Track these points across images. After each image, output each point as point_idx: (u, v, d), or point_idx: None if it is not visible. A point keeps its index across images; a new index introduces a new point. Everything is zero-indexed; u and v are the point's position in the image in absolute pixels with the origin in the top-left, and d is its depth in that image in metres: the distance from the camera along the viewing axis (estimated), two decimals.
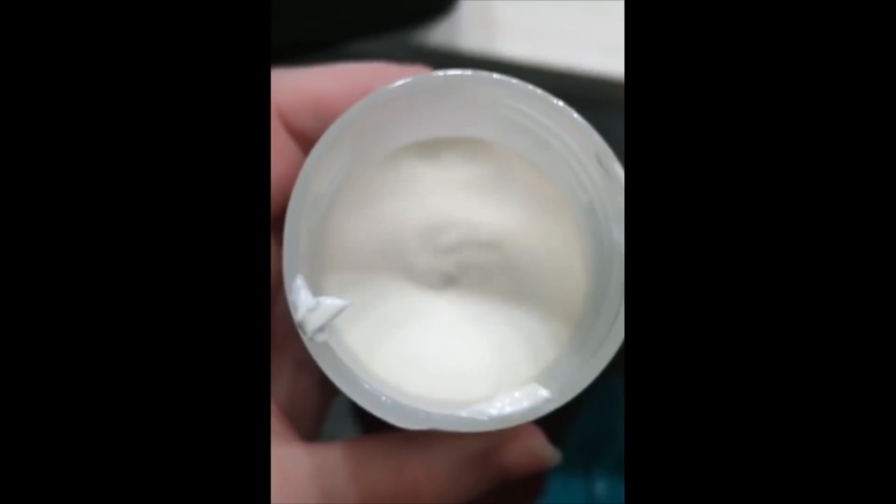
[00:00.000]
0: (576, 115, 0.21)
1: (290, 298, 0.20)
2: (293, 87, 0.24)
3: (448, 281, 0.23)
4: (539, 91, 0.21)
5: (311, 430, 0.27)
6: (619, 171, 0.21)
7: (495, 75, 0.21)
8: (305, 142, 0.24)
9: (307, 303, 0.20)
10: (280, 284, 0.26)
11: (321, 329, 0.20)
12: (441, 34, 0.36)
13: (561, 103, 0.21)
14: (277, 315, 0.26)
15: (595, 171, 0.21)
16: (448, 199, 0.23)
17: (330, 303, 0.20)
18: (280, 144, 0.24)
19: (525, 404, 0.20)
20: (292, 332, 0.27)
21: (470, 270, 0.23)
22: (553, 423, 0.26)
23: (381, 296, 0.23)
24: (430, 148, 0.23)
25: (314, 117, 0.24)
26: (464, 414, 0.20)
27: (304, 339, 0.21)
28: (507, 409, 0.20)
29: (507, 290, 0.23)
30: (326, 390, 0.28)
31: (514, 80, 0.21)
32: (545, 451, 0.25)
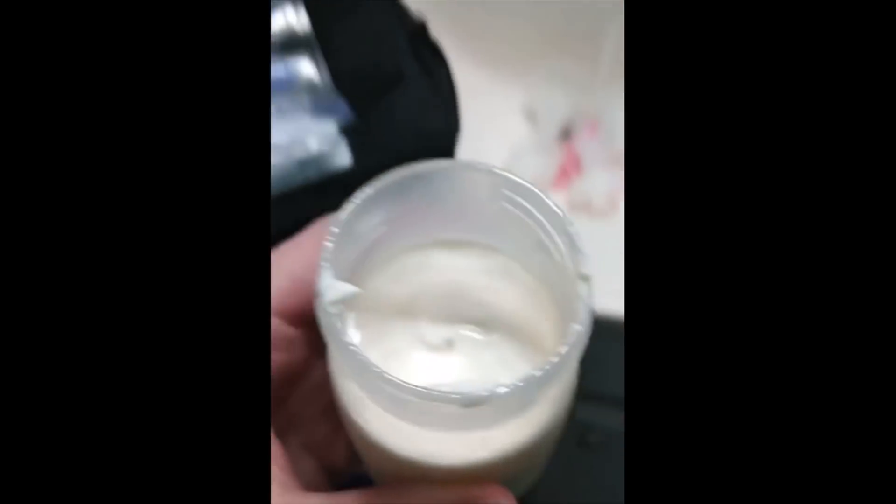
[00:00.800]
0: (549, 202, 0.26)
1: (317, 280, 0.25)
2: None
3: (449, 345, 0.29)
4: (519, 180, 0.27)
5: None
6: (582, 247, 0.26)
7: (482, 165, 0.27)
8: None
9: (326, 280, 0.25)
10: (298, 376, 0.29)
11: (334, 303, 0.25)
12: None
13: (535, 189, 0.26)
14: (295, 399, 0.29)
15: (562, 242, 0.26)
16: (462, 279, 0.30)
17: (345, 286, 0.26)
18: None
19: (501, 390, 0.23)
20: (302, 416, 0.29)
21: (468, 340, 0.29)
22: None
23: (393, 349, 0.28)
24: (450, 244, 0.30)
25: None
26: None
27: (319, 311, 0.25)
28: (484, 392, 0.23)
29: (495, 359, 0.29)
30: (329, 476, 0.30)
31: (501, 170, 0.27)
32: None
